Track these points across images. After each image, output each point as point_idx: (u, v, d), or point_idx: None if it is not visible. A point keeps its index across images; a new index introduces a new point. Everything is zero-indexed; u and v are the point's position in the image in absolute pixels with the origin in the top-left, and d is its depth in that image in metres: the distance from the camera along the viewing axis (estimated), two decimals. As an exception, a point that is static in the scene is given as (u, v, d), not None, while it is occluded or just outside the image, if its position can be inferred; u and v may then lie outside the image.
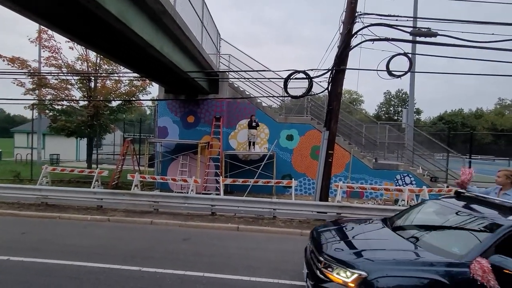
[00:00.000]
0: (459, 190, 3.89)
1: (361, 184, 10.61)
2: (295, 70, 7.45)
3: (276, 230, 6.97)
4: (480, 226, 3.04)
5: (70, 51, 12.60)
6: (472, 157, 13.53)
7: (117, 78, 13.23)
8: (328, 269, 3.01)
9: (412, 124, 13.36)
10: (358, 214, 7.39)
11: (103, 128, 13.64)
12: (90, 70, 12.88)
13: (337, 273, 2.92)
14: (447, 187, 10.06)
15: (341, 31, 7.34)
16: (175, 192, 10.62)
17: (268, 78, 11.50)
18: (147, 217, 7.51)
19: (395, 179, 11.25)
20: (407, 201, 8.45)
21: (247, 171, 11.19)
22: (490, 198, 3.48)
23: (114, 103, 14.06)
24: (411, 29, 6.82)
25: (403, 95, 54.30)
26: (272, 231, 6.93)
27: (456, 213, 3.37)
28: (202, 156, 11.27)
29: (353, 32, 7.03)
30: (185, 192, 9.62)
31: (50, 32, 11.96)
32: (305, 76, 7.48)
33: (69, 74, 12.48)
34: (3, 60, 11.54)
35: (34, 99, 12.62)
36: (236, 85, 12.55)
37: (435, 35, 6.53)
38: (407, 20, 6.74)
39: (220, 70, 11.90)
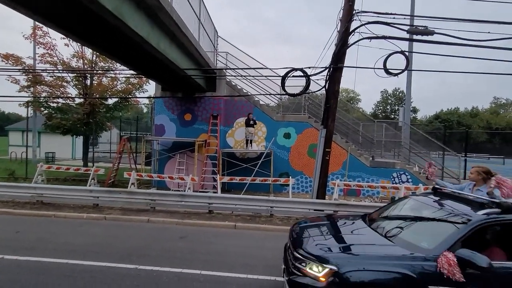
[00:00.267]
0: (436, 186, 4.00)
1: (358, 182, 10.67)
2: (293, 68, 7.43)
3: (273, 228, 6.97)
4: (450, 221, 3.11)
5: (66, 48, 12.53)
6: (467, 155, 13.64)
7: (113, 75, 13.13)
8: (302, 264, 3.06)
9: (409, 123, 13.42)
10: (355, 211, 7.40)
11: (99, 126, 13.56)
12: (86, 67, 12.76)
13: (310, 268, 2.97)
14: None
15: (338, 29, 7.33)
16: (172, 190, 10.58)
17: (266, 76, 11.47)
18: (144, 215, 7.47)
19: (391, 177, 11.32)
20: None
21: (245, 169, 11.18)
22: (464, 194, 3.58)
23: (111, 101, 13.97)
24: (408, 27, 6.82)
25: (400, 94, 54.60)
26: (269, 229, 6.93)
27: (431, 209, 3.45)
28: (199, 154, 11.23)
29: (350, 30, 7.03)
30: (182, 190, 9.59)
31: (45, 28, 11.84)
32: (302, 74, 7.46)
33: (65, 71, 12.35)
34: (-3, 57, 11.40)
35: (29, 97, 12.48)
36: (233, 83, 12.52)
37: (432, 33, 6.55)
38: (404, 18, 6.75)
39: (218, 67, 11.85)
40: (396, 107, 54.18)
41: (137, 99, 15.21)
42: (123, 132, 20.88)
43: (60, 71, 12.37)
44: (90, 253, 5.00)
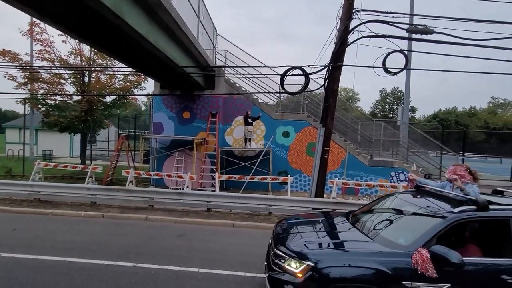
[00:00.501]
0: (418, 184, 4.07)
1: (356, 181, 10.69)
2: (292, 66, 7.41)
3: (271, 226, 6.90)
4: (428, 218, 3.15)
5: (64, 45, 12.38)
6: (465, 155, 13.70)
7: (111, 72, 13.03)
8: (281, 260, 3.12)
9: (407, 122, 13.46)
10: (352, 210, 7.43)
11: (97, 123, 13.46)
12: (83, 64, 12.67)
13: (288, 264, 3.03)
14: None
15: (338, 27, 7.31)
16: (171, 188, 10.54)
17: (265, 74, 11.45)
18: (142, 213, 7.45)
19: (389, 176, 11.35)
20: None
21: (243, 168, 11.17)
22: (445, 191, 3.64)
23: (109, 98, 13.87)
24: (408, 26, 6.82)
25: (399, 93, 54.68)
26: (267, 227, 6.91)
27: (411, 206, 3.50)
28: (197, 152, 11.20)
29: (350, 29, 7.02)
30: (180, 188, 9.56)
31: (42, 25, 11.71)
32: (301, 73, 7.44)
33: (62, 68, 12.25)
34: (-6, 53, 11.28)
35: (26, 94, 12.38)
36: (232, 81, 12.48)
37: (431, 32, 6.54)
38: (404, 17, 6.74)
39: (217, 65, 11.80)
40: (395, 107, 54.29)
41: (136, 96, 15.13)
42: (121, 130, 20.81)
43: (58, 68, 12.26)
44: (88, 251, 4.98)
